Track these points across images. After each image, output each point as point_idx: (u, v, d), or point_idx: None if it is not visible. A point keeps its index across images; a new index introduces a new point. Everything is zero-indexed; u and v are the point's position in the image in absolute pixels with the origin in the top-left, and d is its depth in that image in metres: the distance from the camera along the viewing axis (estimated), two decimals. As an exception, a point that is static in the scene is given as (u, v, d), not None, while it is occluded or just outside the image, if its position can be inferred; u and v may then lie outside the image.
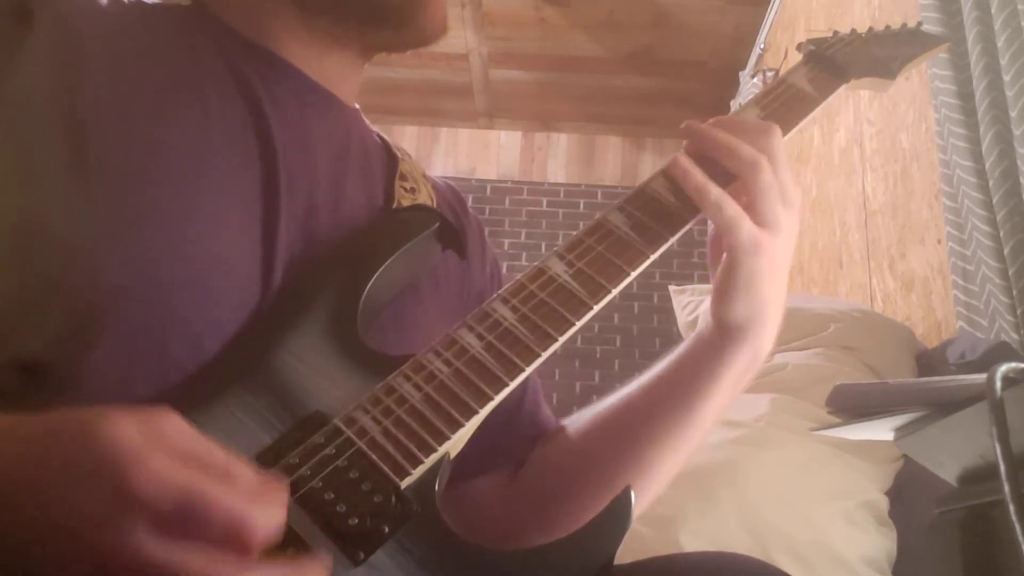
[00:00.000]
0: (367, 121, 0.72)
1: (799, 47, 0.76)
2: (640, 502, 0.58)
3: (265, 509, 0.37)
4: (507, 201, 3.71)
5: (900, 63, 0.78)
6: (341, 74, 0.66)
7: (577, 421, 0.70)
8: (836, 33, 0.78)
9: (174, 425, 0.38)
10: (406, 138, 3.77)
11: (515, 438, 0.68)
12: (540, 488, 0.67)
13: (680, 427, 0.63)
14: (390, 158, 0.70)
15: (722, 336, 0.61)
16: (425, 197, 0.68)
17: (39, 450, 0.37)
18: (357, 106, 0.71)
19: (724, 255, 0.59)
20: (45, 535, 0.35)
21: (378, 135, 0.73)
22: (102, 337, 0.48)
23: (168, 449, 0.37)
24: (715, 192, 0.57)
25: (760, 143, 0.59)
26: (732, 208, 0.57)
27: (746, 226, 0.57)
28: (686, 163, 0.59)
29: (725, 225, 0.57)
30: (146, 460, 0.35)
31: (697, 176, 0.58)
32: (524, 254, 3.53)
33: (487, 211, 3.66)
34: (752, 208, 0.58)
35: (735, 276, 0.58)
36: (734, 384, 0.63)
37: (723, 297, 0.60)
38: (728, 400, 0.64)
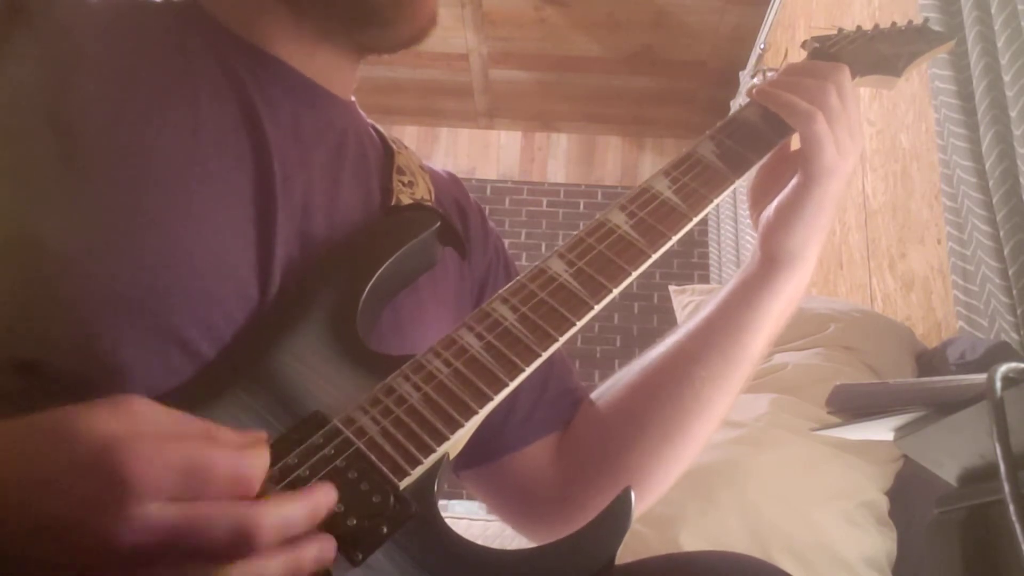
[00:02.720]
0: (363, 114, 0.72)
1: (804, 44, 0.75)
2: (697, 445, 0.62)
3: (254, 454, 0.39)
4: (507, 201, 3.71)
5: (906, 60, 0.77)
6: (334, 71, 0.66)
7: (616, 383, 0.70)
8: (841, 30, 0.77)
9: (143, 405, 0.39)
10: (406, 138, 3.76)
11: (552, 405, 0.69)
12: (595, 443, 0.67)
13: (733, 363, 0.65)
14: (386, 151, 0.70)
15: (772, 266, 0.63)
16: (423, 190, 0.68)
17: (20, 449, 0.37)
18: (353, 99, 0.70)
19: (794, 180, 0.62)
20: (46, 533, 0.36)
21: (373, 127, 0.72)
22: (98, 342, 0.47)
23: (147, 428, 0.37)
24: (805, 105, 0.61)
25: (816, 97, 0.62)
26: (822, 122, 0.60)
27: (831, 144, 0.60)
28: (768, 87, 0.63)
29: (815, 137, 0.60)
30: (135, 443, 0.36)
31: (783, 94, 0.62)
32: (524, 254, 3.53)
33: (487, 211, 3.65)
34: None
35: (805, 199, 0.61)
36: (780, 316, 0.66)
37: (785, 222, 0.62)
38: (774, 333, 0.67)
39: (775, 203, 0.64)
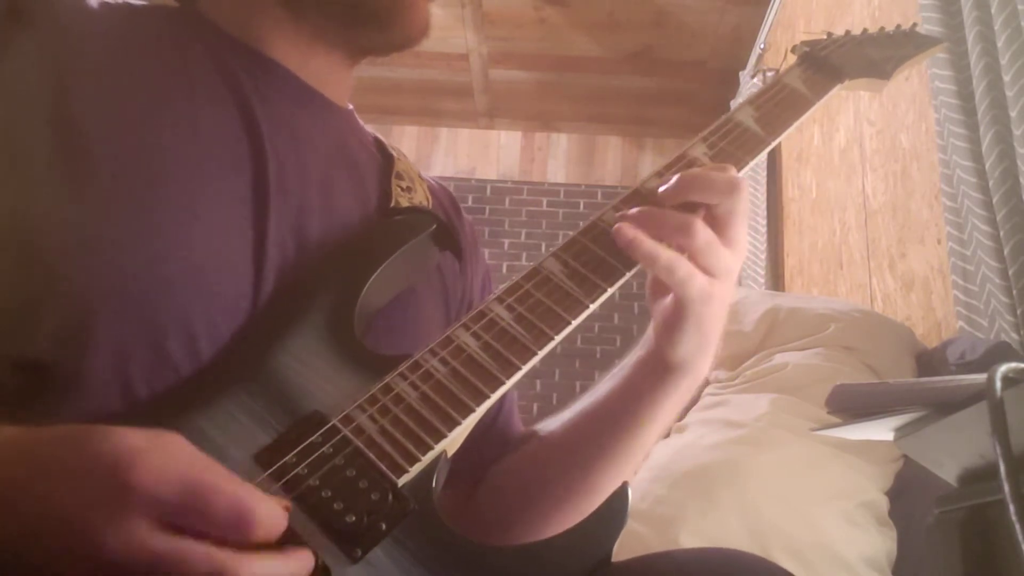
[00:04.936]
0: (361, 122, 0.72)
1: (794, 49, 0.76)
2: (578, 519, 0.56)
3: (266, 502, 0.39)
4: (507, 201, 3.71)
5: (895, 64, 0.78)
6: (330, 75, 0.67)
7: (534, 438, 0.70)
8: (830, 35, 0.79)
9: (178, 440, 0.39)
10: (406, 138, 3.77)
11: (481, 456, 0.68)
12: (494, 508, 0.67)
13: (624, 452, 0.64)
14: (385, 158, 0.70)
15: (666, 369, 0.62)
16: (421, 196, 0.69)
17: (41, 456, 0.38)
18: (351, 107, 0.71)
19: (670, 298, 0.59)
20: (47, 536, 0.36)
21: (374, 136, 0.73)
22: (97, 337, 0.48)
23: (168, 448, 0.38)
24: (664, 256, 0.56)
25: (679, 232, 0.57)
26: (683, 269, 0.56)
27: (697, 282, 0.56)
28: (630, 232, 0.56)
29: (678, 284, 0.56)
30: (147, 457, 0.36)
31: (645, 243, 0.56)
32: (524, 254, 3.53)
33: (487, 211, 3.65)
34: (697, 261, 0.57)
35: (684, 321, 0.58)
36: (675, 408, 0.65)
37: (671, 337, 0.60)
38: (670, 422, 0.66)
39: (662, 311, 0.61)
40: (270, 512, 0.39)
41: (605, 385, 0.66)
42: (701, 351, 0.61)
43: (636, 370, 0.64)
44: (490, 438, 0.69)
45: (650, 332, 0.63)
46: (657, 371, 0.62)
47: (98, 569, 0.35)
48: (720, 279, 0.58)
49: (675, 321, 0.59)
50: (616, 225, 0.57)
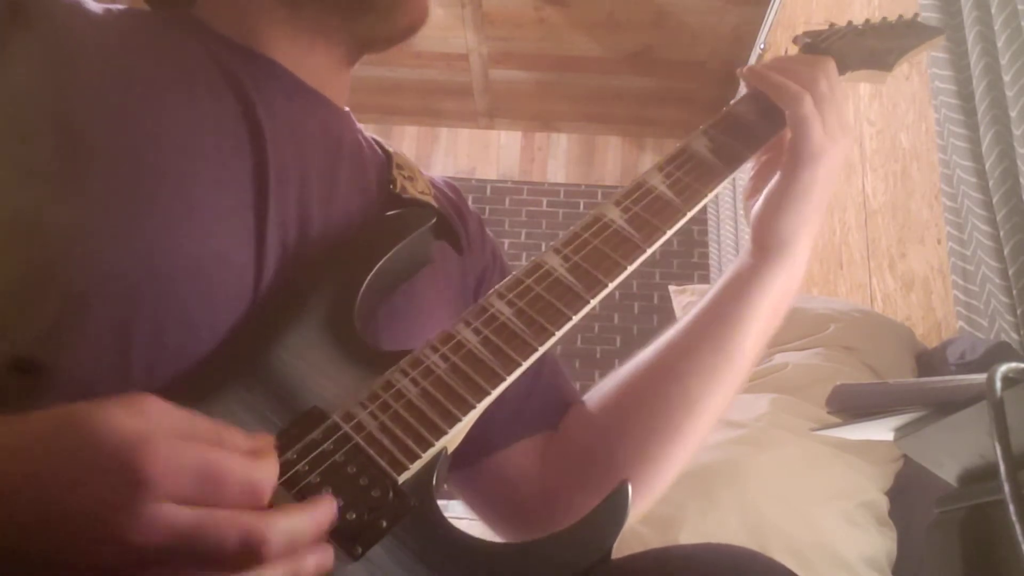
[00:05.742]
0: (357, 123, 0.72)
1: (795, 40, 0.76)
2: (689, 445, 0.60)
3: (266, 464, 0.40)
4: (507, 201, 3.71)
5: (896, 55, 0.78)
6: (328, 74, 0.67)
7: (606, 384, 0.70)
8: (832, 26, 0.78)
9: (156, 404, 0.39)
10: (406, 138, 3.77)
11: (540, 404, 0.68)
12: (583, 444, 0.66)
13: (724, 358, 0.64)
14: (384, 154, 0.71)
15: (763, 256, 0.64)
16: (423, 185, 0.69)
17: (39, 446, 0.37)
18: (347, 109, 0.71)
19: (780, 170, 0.63)
20: (62, 529, 0.36)
21: (371, 136, 0.73)
22: (95, 332, 0.48)
23: (162, 427, 0.37)
24: (795, 86, 0.61)
25: (805, 81, 0.63)
26: (810, 104, 0.61)
27: (819, 126, 0.60)
28: (760, 68, 0.64)
29: (803, 118, 0.61)
30: (153, 442, 0.36)
31: (773, 75, 0.63)
32: (524, 254, 3.53)
33: (487, 211, 3.65)
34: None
35: (793, 183, 0.61)
36: (773, 310, 0.65)
37: (774, 209, 0.63)
38: (769, 330, 0.66)
39: (765, 191, 0.64)
40: (269, 471, 0.39)
41: (697, 306, 0.67)
42: (800, 232, 0.63)
43: (733, 276, 0.65)
44: (540, 389, 0.68)
45: (743, 253, 0.66)
46: (753, 264, 0.64)
47: (132, 557, 0.35)
48: (831, 139, 0.61)
49: (783, 185, 0.62)
50: (749, 67, 0.65)
